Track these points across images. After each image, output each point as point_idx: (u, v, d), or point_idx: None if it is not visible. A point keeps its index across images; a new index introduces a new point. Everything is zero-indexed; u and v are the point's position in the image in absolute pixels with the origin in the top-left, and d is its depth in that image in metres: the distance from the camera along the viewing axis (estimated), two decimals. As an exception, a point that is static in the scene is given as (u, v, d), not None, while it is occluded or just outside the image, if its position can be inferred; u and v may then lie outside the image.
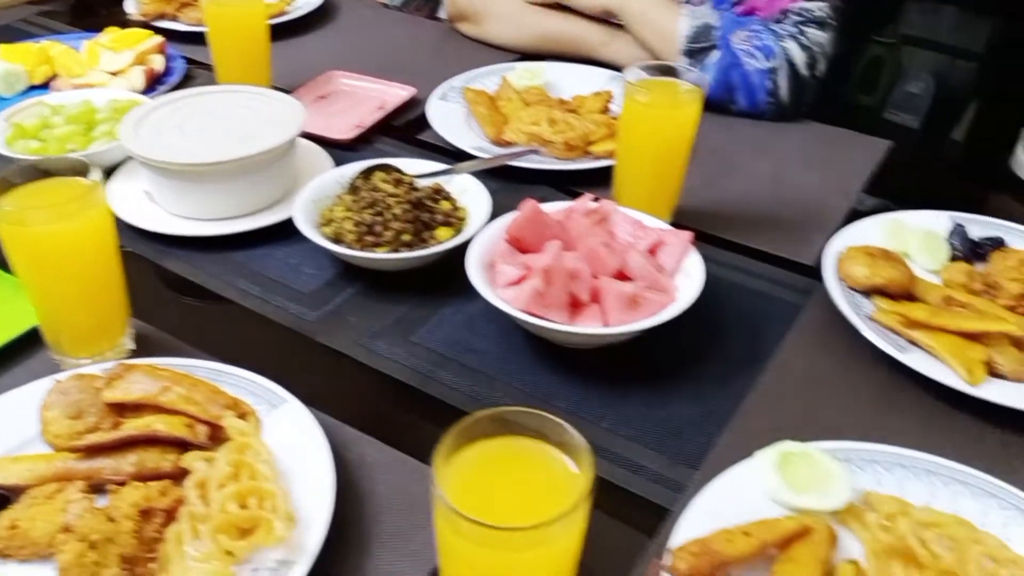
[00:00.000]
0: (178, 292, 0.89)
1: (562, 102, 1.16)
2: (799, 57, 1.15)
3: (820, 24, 1.18)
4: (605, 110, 1.15)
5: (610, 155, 1.03)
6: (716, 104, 1.17)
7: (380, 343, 0.81)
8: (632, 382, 0.78)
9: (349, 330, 0.83)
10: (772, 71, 1.15)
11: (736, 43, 1.15)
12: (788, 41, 1.15)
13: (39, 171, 0.71)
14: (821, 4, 1.19)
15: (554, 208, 0.87)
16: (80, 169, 0.71)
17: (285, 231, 0.93)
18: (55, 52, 1.23)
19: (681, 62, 1.15)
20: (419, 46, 1.42)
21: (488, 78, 1.24)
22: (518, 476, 0.49)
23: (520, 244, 0.83)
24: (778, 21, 1.18)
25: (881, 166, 1.12)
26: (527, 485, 0.49)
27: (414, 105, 1.21)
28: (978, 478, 0.65)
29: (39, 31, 1.43)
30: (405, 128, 1.17)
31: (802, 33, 1.16)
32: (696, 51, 1.17)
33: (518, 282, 0.79)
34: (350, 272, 0.90)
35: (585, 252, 0.80)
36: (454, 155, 1.06)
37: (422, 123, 1.16)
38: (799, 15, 1.18)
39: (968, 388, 0.74)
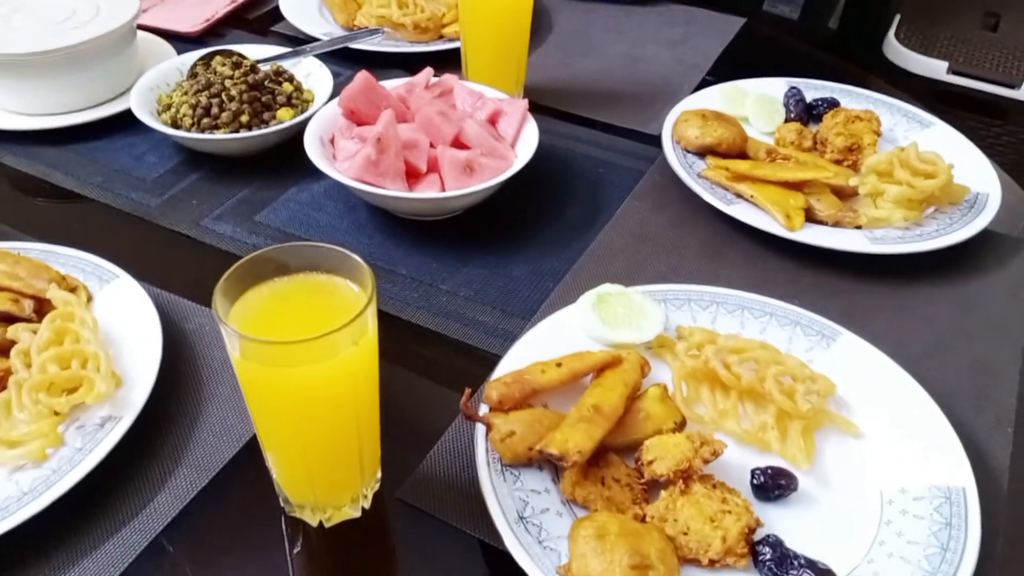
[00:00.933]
0: (18, 187, 0.87)
1: None
2: None
3: None
4: None
5: (456, 36, 1.03)
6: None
7: (223, 224, 0.81)
8: (473, 249, 0.80)
9: (191, 212, 0.83)
10: None
11: None
12: None
13: None
14: None
15: (395, 83, 0.87)
16: None
17: (126, 122, 0.91)
18: None
19: None
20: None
21: None
22: (305, 306, 0.51)
23: (356, 117, 0.84)
24: None
25: (747, 45, 1.14)
26: (313, 312, 0.51)
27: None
28: (785, 308, 0.70)
29: None
30: (258, 20, 1.15)
31: None
32: None
33: (352, 156, 0.80)
34: (194, 158, 0.89)
35: (422, 121, 0.81)
36: (306, 43, 1.04)
37: (276, 16, 1.13)
38: None
39: (787, 233, 0.79)
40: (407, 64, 1.03)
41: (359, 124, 0.83)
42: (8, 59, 0.87)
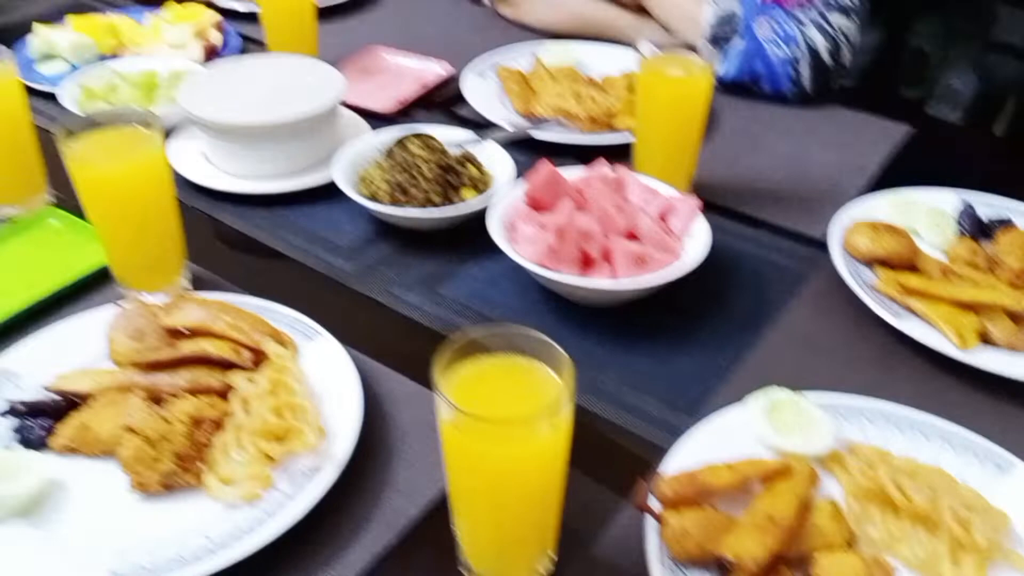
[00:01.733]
0: (230, 243, 0.97)
1: (591, 81, 1.21)
2: (822, 45, 1.19)
3: (844, 11, 1.21)
4: (631, 89, 1.20)
5: (625, 128, 1.09)
6: (741, 87, 1.21)
7: (410, 294, 0.88)
8: (639, 337, 0.83)
9: (382, 280, 0.90)
10: (795, 60, 1.19)
11: (759, 31, 1.20)
12: (811, 29, 1.19)
13: (106, 121, 0.79)
14: None
15: (573, 173, 0.93)
16: (142, 121, 0.79)
17: (327, 192, 1.01)
18: (121, 25, 1.32)
19: (703, 48, 1.20)
20: (459, 27, 1.49)
21: (522, 57, 1.30)
22: (507, 385, 0.56)
23: (537, 204, 0.90)
24: (802, 7, 1.22)
25: (913, 152, 1.15)
26: (515, 392, 0.55)
27: (452, 82, 1.28)
28: (960, 435, 0.69)
29: (104, 7, 1.53)
30: (443, 103, 1.24)
31: (826, 20, 1.20)
32: (720, 38, 1.22)
33: (533, 241, 0.86)
34: (384, 230, 0.97)
35: (598, 212, 0.86)
36: (487, 128, 1.13)
37: (460, 99, 1.23)
38: (824, 1, 1.22)
39: (960, 354, 0.78)
40: (579, 154, 1.09)
41: (539, 210, 0.89)
42: (231, 128, 0.98)
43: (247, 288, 0.87)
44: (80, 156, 0.76)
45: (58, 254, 0.90)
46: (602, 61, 1.29)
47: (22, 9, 1.52)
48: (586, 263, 0.84)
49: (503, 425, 0.51)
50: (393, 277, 0.91)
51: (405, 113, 1.21)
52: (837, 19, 1.21)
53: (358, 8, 1.53)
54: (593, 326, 0.84)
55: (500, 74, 1.23)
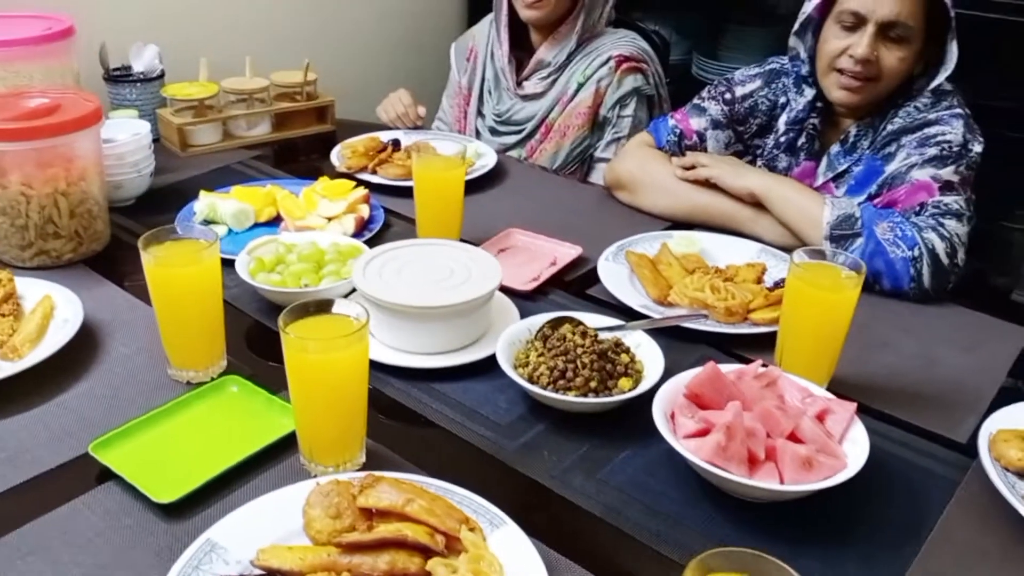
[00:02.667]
0: (394, 416, 1.02)
1: (718, 270, 1.29)
2: (940, 247, 1.26)
3: (957, 216, 1.29)
4: (759, 280, 1.27)
5: (768, 323, 1.15)
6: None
7: (571, 477, 0.92)
8: (802, 540, 0.85)
9: (543, 462, 0.94)
10: (915, 259, 1.25)
11: (879, 232, 1.27)
12: (928, 232, 1.27)
13: (313, 306, 0.88)
14: (956, 198, 1.30)
15: (725, 369, 0.98)
16: (352, 314, 0.87)
17: (479, 368, 1.07)
18: (279, 196, 1.45)
19: (824, 247, 1.28)
20: (580, 208, 1.60)
21: (648, 243, 1.39)
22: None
23: (698, 400, 0.94)
24: (917, 214, 1.30)
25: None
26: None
27: (580, 262, 1.36)
28: None
29: (254, 174, 1.68)
30: (574, 283, 1.32)
31: (941, 225, 1.28)
32: (839, 237, 1.29)
33: (695, 434, 0.90)
34: (539, 409, 1.02)
35: (760, 413, 0.91)
36: (620, 311, 1.20)
37: (587, 279, 1.31)
38: (936, 207, 1.30)
39: None
40: (714, 343, 1.15)
41: (699, 406, 0.94)
42: (399, 308, 1.06)
43: (414, 460, 0.92)
44: (295, 346, 0.84)
45: (243, 419, 0.96)
46: (725, 251, 1.37)
47: (186, 170, 1.67)
48: (752, 461, 0.88)
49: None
50: (555, 458, 0.95)
51: (540, 292, 1.29)
52: (951, 223, 1.28)
53: (484, 185, 1.66)
54: (759, 523, 0.87)
55: (629, 259, 1.32)
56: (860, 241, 1.28)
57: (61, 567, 0.78)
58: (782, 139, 1.53)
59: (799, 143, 1.51)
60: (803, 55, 1.49)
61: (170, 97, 1.77)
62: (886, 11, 1.31)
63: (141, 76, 1.79)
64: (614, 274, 1.29)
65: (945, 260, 1.26)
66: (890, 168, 1.37)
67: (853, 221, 1.29)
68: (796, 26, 1.48)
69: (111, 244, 1.37)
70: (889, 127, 1.40)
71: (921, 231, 1.27)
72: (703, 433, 0.90)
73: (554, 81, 1.86)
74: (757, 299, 1.19)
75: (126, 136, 1.46)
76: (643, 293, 1.26)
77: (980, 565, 0.83)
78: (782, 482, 0.85)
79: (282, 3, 2.33)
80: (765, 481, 0.85)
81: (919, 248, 1.26)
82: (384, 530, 0.77)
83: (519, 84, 1.89)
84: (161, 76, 1.82)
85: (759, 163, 1.57)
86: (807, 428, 0.89)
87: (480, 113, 1.97)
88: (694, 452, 0.87)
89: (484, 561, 0.74)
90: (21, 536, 0.82)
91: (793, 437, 0.90)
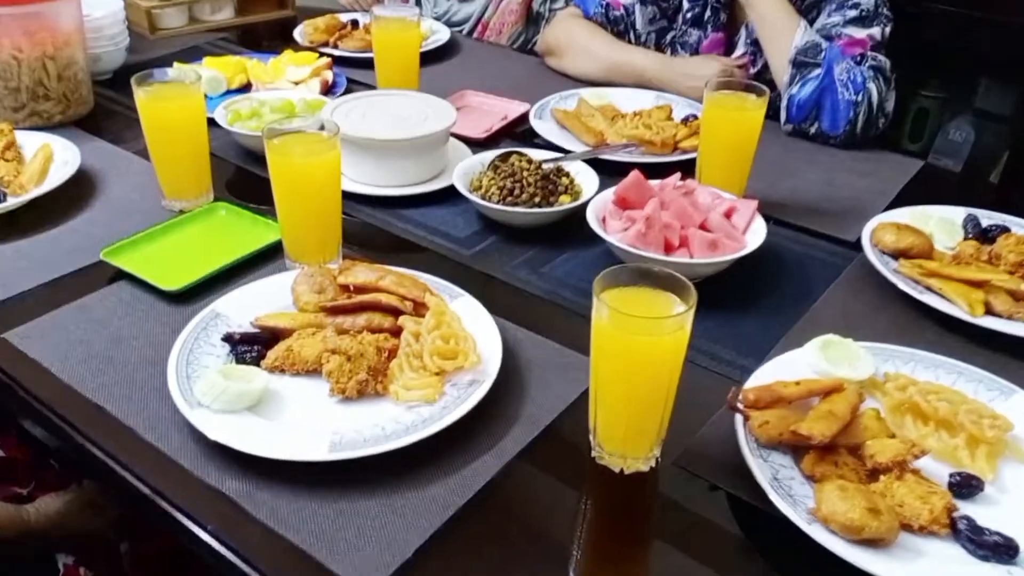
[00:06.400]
0: (369, 234, 1.17)
1: (636, 113, 1.45)
2: (875, 98, 1.40)
3: (885, 72, 1.41)
4: (669, 118, 1.43)
5: (695, 149, 1.31)
6: (797, 124, 1.43)
7: (518, 271, 1.09)
8: (712, 307, 1.02)
9: (495, 262, 1.11)
10: (857, 104, 1.39)
11: (836, 71, 1.39)
12: (870, 82, 1.39)
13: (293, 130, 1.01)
14: (885, 59, 1.43)
15: (651, 184, 1.14)
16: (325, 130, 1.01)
17: (441, 196, 1.23)
18: (249, 65, 1.56)
19: (785, 68, 1.42)
20: (525, 75, 1.74)
21: (564, 101, 1.53)
22: (646, 303, 0.76)
23: (624, 203, 1.10)
24: (856, 64, 1.41)
25: (923, 184, 1.36)
26: (653, 308, 0.75)
27: (527, 117, 1.51)
28: (972, 371, 0.89)
29: (222, 52, 1.78)
30: (523, 135, 1.47)
31: (877, 77, 1.40)
32: (801, 63, 1.41)
33: (622, 231, 1.07)
34: (491, 225, 1.18)
35: (675, 209, 1.07)
36: (568, 152, 1.35)
37: (533, 134, 1.45)
38: (874, 60, 1.42)
39: (970, 318, 0.98)
40: (645, 172, 1.31)
41: (625, 209, 1.10)
42: (365, 142, 1.20)
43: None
44: (278, 151, 0.98)
45: (232, 235, 1.11)
46: (631, 101, 1.53)
47: (157, 51, 1.76)
48: (668, 248, 1.04)
49: (646, 321, 0.71)
50: (505, 260, 1.11)
51: (492, 140, 1.43)
52: (882, 78, 1.41)
53: (444, 59, 1.78)
54: (673, 297, 1.04)
55: (556, 114, 1.46)
56: (818, 72, 1.40)
57: (83, 341, 0.93)
58: (688, 14, 1.65)
59: (705, 17, 1.64)
60: None
61: (136, -20, 1.84)
62: None
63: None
64: (546, 130, 1.43)
65: (876, 111, 1.41)
66: (816, 26, 1.49)
67: (818, 51, 1.41)
68: None
69: (96, 110, 1.48)
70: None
71: (866, 80, 1.40)
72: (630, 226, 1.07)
73: (486, -18, 1.97)
74: (681, 131, 1.35)
75: (102, 12, 1.55)
76: (580, 142, 1.40)
77: (850, 325, 1.01)
78: (692, 259, 1.03)
79: None
80: (677, 257, 1.02)
81: (863, 95, 1.39)
82: (361, 297, 0.93)
83: (453, -14, 2.00)
84: (126, -39, 1.88)
85: (676, 39, 1.70)
86: (714, 220, 1.06)
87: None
88: (621, 240, 1.03)
89: (446, 314, 0.90)
90: (43, 321, 0.96)
91: (703, 228, 1.07)
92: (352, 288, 0.95)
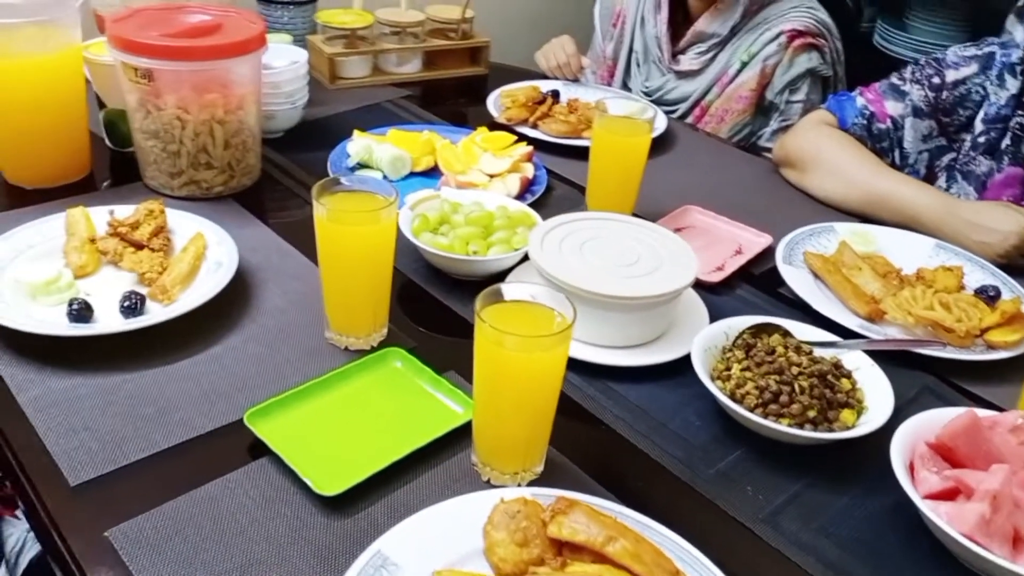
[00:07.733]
0: (570, 415, 0.89)
1: (920, 277, 1.12)
2: None
3: None
4: (961, 287, 1.09)
5: (1008, 346, 0.97)
6: None
7: (784, 522, 0.78)
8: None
9: (747, 499, 0.81)
10: None
11: None
12: None
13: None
14: None
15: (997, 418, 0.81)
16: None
17: (663, 372, 0.94)
18: (438, 145, 1.33)
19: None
20: (757, 187, 1.43)
21: (818, 238, 1.21)
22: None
23: (948, 453, 0.79)
24: None
25: None
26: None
27: (767, 253, 1.20)
28: None
29: (406, 115, 1.56)
30: (763, 277, 1.16)
31: None
32: None
33: (940, 495, 0.75)
34: (737, 431, 0.88)
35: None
36: (819, 319, 1.03)
37: (775, 275, 1.14)
38: None
39: None
40: (932, 368, 0.98)
41: (946, 459, 0.78)
42: (583, 294, 0.92)
43: (596, 477, 0.80)
44: (490, 331, 0.72)
45: (406, 400, 0.86)
46: (902, 250, 1.19)
47: (334, 105, 1.57)
48: (1017, 540, 0.72)
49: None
50: (761, 499, 0.81)
51: (726, 284, 1.13)
52: None
53: (657, 153, 1.49)
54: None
55: (810, 262, 1.14)
56: None
57: (213, 557, 0.70)
58: (980, 139, 1.32)
59: (1003, 145, 1.29)
60: (1020, 40, 1.27)
61: (323, 24, 1.66)
62: None
63: (295, -2, 1.69)
64: (797, 278, 1.12)
65: None
66: None
67: None
68: (1020, 2, 1.25)
69: (260, 180, 1.28)
70: None
71: None
72: (950, 494, 0.75)
73: (713, 57, 1.66)
74: (988, 317, 1.01)
75: (282, 64, 1.36)
76: (835, 299, 1.09)
77: None
78: (1059, 575, 0.70)
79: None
80: (1036, 568, 0.70)
81: None
82: (581, 572, 0.65)
83: (673, 58, 1.70)
84: (315, 0, 1.71)
85: (956, 164, 1.36)
86: (1090, 506, 0.73)
87: (626, 87, 1.79)
88: (950, 521, 0.71)
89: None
90: (172, 510, 0.73)
91: (1068, 513, 0.73)
92: (564, 544, 0.68)
